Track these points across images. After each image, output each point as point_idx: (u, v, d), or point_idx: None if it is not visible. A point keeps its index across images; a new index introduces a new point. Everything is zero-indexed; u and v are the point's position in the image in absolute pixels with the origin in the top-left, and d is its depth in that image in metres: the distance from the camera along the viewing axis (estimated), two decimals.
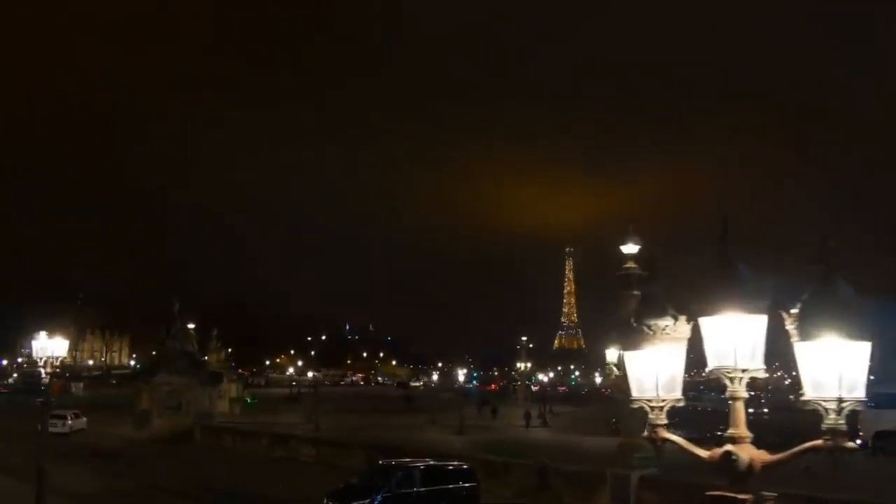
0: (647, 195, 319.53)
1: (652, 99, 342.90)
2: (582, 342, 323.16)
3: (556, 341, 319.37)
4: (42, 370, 18.24)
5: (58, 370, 19.09)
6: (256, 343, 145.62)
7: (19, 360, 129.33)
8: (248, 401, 74.66)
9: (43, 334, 18.23)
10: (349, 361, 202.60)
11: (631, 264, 23.25)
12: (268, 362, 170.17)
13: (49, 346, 17.88)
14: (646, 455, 22.93)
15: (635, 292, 23.41)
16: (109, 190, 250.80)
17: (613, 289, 23.05)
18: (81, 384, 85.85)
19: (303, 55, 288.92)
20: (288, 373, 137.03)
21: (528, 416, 63.42)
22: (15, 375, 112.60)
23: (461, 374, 78.34)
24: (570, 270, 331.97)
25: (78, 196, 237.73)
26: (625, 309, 23.28)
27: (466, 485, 21.90)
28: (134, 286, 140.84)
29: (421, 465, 21.69)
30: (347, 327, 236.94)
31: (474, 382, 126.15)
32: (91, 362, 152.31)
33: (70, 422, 45.18)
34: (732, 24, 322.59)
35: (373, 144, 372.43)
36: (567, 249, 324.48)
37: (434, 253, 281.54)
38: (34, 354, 18.83)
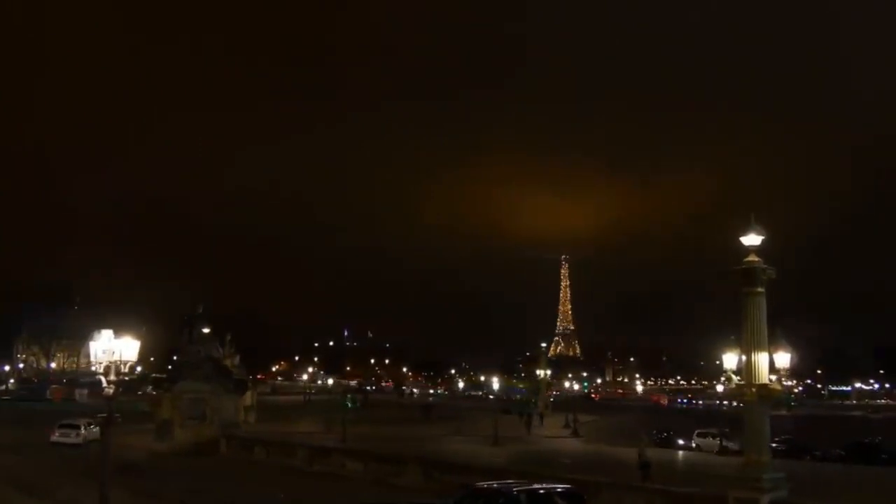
0: (647, 200, 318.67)
1: (652, 108, 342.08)
2: (578, 349, 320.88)
3: (551, 348, 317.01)
4: (102, 377, 15.16)
5: (125, 376, 15.88)
6: (259, 349, 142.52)
7: (20, 366, 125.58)
8: (349, 405, 72.46)
9: (107, 333, 15.03)
10: (349, 368, 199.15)
11: (753, 257, 20.41)
12: (274, 368, 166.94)
13: (115, 348, 14.73)
14: (775, 476, 20.17)
15: (759, 289, 20.72)
16: (112, 195, 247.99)
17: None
18: (85, 391, 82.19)
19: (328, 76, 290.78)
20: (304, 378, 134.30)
21: (528, 423, 60.73)
22: (12, 381, 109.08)
23: (496, 383, 75.02)
24: (565, 277, 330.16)
25: (79, 202, 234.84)
26: (749, 308, 20.52)
27: None
28: (135, 291, 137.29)
29: (525, 488, 18.64)
30: (346, 333, 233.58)
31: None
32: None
33: (83, 431, 42.00)
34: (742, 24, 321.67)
35: (381, 155, 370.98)
36: (563, 256, 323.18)
37: (432, 258, 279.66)
38: (93, 357, 15.68)
